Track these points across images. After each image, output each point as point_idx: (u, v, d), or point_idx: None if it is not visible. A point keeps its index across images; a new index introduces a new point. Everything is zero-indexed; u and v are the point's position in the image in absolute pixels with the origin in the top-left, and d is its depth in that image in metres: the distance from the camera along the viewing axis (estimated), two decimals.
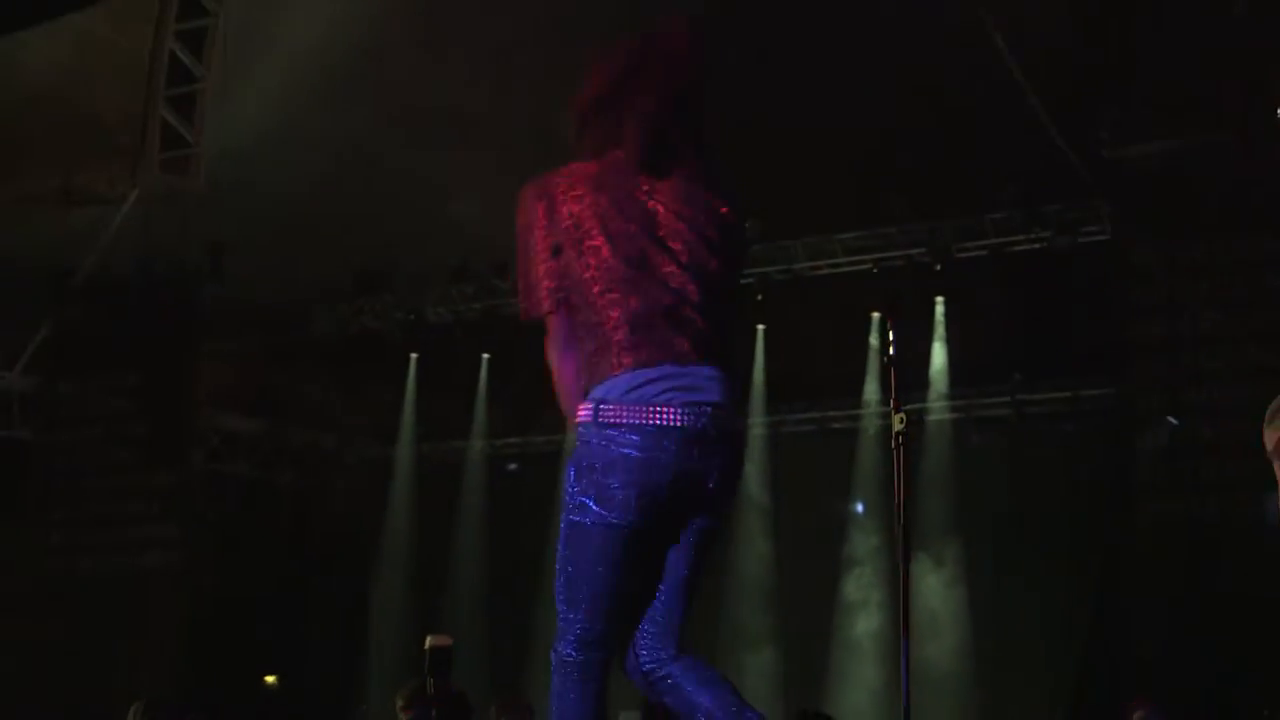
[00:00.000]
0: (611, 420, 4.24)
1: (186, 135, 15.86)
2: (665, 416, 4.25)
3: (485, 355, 18.41)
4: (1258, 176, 13.65)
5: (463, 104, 17.10)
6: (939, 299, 16.09)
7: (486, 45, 16.63)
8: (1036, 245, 15.73)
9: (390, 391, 18.72)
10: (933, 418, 16.17)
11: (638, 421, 4.24)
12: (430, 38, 16.64)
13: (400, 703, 8.90)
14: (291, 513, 18.24)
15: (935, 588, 15.64)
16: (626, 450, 4.22)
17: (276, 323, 18.02)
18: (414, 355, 18.72)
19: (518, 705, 9.86)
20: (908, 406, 6.22)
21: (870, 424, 16.53)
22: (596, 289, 4.30)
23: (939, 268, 15.96)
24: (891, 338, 6.67)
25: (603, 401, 4.26)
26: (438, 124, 16.96)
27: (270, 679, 17.68)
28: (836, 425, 17.23)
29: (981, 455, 16.31)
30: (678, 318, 4.33)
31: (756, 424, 17.33)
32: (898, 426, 6.29)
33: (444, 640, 7.61)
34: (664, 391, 4.28)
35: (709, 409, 4.30)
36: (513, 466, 19.02)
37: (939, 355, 16.14)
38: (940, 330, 16.13)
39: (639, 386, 4.27)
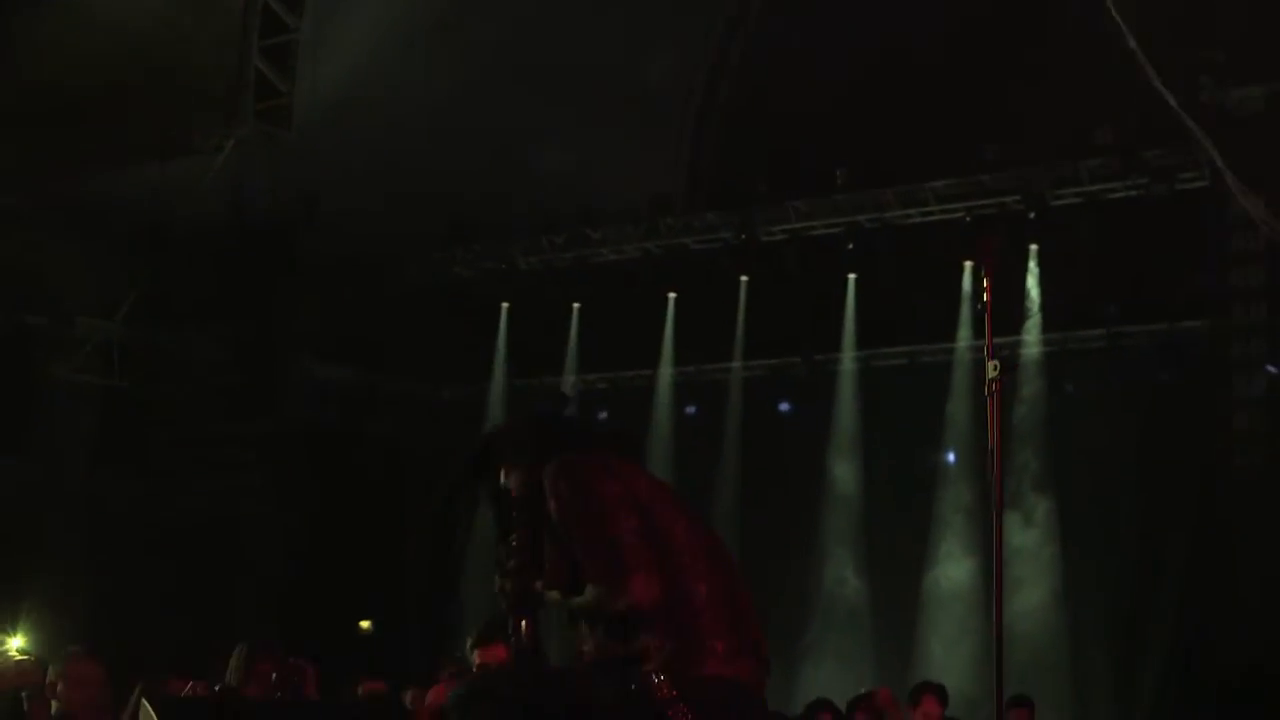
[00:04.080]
0: None
1: (280, 85, 15.94)
2: None
3: (575, 305, 18.46)
4: None
5: (555, 57, 17.12)
6: (1033, 247, 15.92)
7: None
8: (1134, 192, 15.51)
9: (481, 340, 18.83)
10: (1027, 353, 15.96)
11: None
12: None
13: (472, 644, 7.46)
14: (385, 459, 18.38)
15: (1024, 546, 15.51)
16: None
17: (369, 272, 18.15)
18: (505, 304, 18.82)
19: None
20: (1000, 340, 6.17)
21: (962, 360, 16.36)
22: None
23: (1033, 215, 15.79)
24: (985, 285, 6.61)
25: None
26: (529, 75, 16.99)
27: (365, 625, 17.89)
28: (928, 359, 17.11)
29: (1074, 404, 16.14)
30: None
31: (847, 359, 17.28)
32: (991, 374, 6.25)
33: None
34: None
35: None
36: (603, 415, 19.10)
37: (1034, 300, 15.98)
38: (1034, 278, 15.97)
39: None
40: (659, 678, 4.31)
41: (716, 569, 4.51)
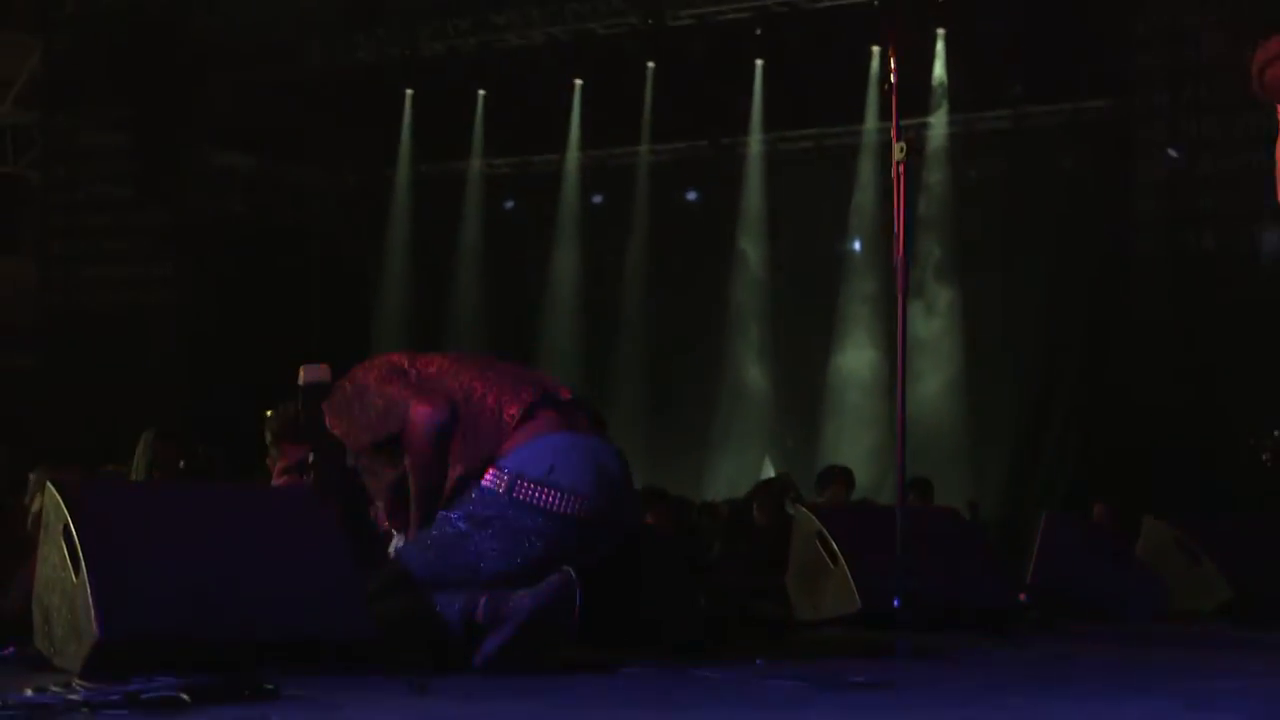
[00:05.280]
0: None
1: None
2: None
3: (480, 91, 18.20)
4: None
5: None
6: (940, 31, 15.82)
7: None
8: None
9: (386, 127, 18.56)
10: (933, 140, 15.95)
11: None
12: None
13: (272, 432, 7.29)
14: (290, 247, 18.19)
15: (927, 337, 15.69)
16: None
17: (268, 57, 17.74)
18: (409, 90, 18.52)
19: None
20: (907, 122, 6.17)
21: (869, 146, 16.33)
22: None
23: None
24: (893, 66, 6.56)
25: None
26: None
27: (269, 415, 17.83)
28: (835, 142, 17.09)
29: (979, 191, 16.22)
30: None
31: (754, 143, 17.24)
32: (898, 155, 6.25)
33: (320, 373, 6.70)
34: None
35: None
36: (509, 204, 18.99)
37: (940, 82, 15.93)
38: (941, 60, 15.90)
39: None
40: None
41: (489, 370, 5.44)
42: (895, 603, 5.75)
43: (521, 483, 5.08)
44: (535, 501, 5.07)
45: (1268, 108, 5.43)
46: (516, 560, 5.04)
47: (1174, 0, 14.33)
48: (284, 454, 6.89)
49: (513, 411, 5.21)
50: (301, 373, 6.59)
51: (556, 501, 5.07)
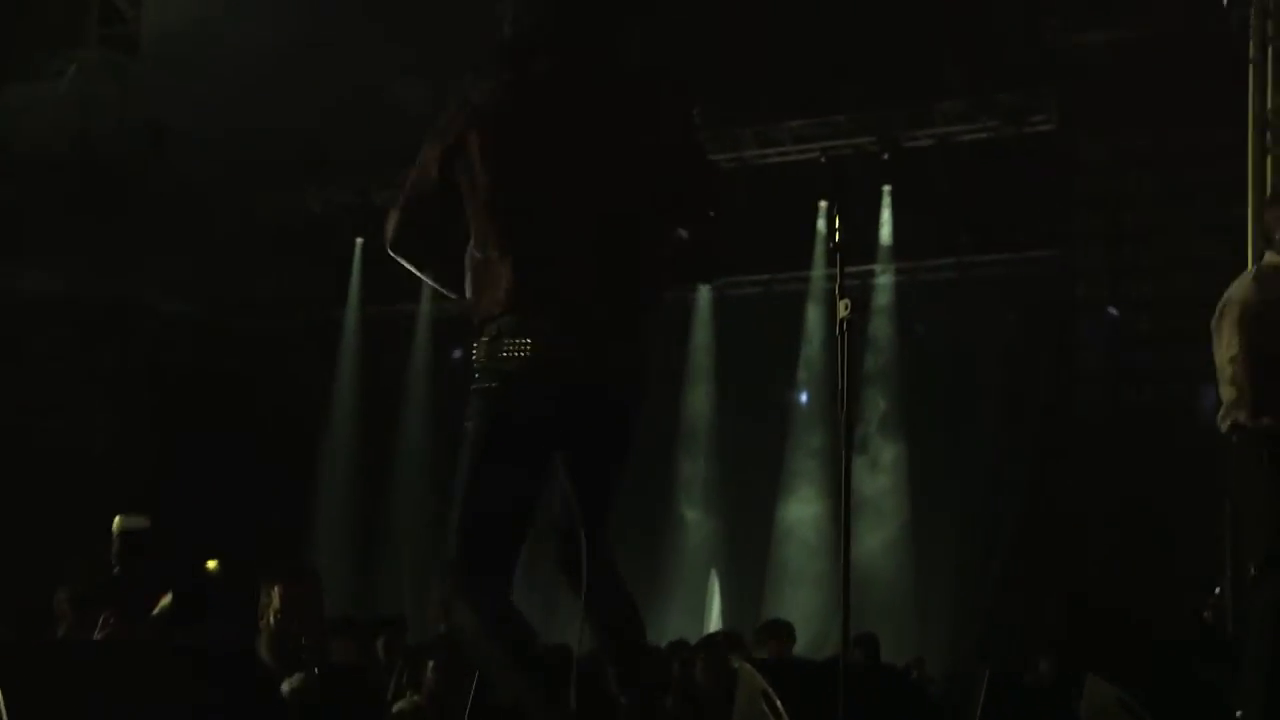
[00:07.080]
0: None
1: (125, 11, 15.57)
2: None
3: None
4: (1203, 67, 13.62)
5: None
6: (886, 187, 16.09)
7: None
8: (984, 135, 15.73)
9: (335, 276, 18.61)
10: (880, 296, 16.08)
11: None
12: None
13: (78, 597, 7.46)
14: (236, 395, 18.11)
15: (871, 494, 15.71)
16: None
17: (217, 205, 17.80)
18: (359, 239, 18.59)
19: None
20: (854, 270, 6.22)
21: (816, 298, 16.44)
22: None
23: (887, 156, 15.96)
24: (838, 224, 6.64)
25: None
26: (383, 5, 16.73)
27: (212, 565, 17.63)
28: (782, 289, 17.17)
29: (924, 346, 16.34)
30: None
31: (703, 290, 17.35)
32: (843, 313, 6.29)
33: (138, 522, 6.81)
34: None
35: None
36: (457, 354, 18.97)
37: (886, 238, 16.15)
38: (887, 216, 16.14)
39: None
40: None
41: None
42: None
43: None
44: None
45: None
46: None
47: (1112, 165, 14.62)
48: (100, 618, 6.72)
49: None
50: (119, 521, 6.43)
51: None
